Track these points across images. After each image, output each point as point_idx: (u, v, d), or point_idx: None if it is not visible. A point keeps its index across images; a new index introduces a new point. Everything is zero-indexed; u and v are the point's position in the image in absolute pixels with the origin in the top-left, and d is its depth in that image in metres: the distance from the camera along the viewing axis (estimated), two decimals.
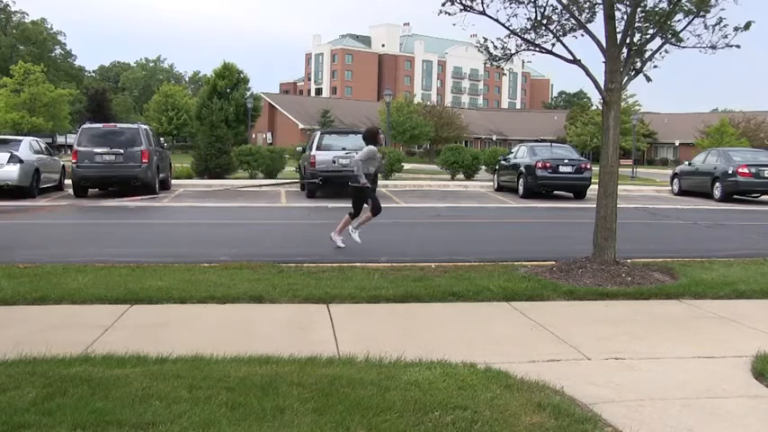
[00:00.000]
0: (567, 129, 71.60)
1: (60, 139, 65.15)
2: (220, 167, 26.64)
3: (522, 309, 6.88)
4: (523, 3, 8.51)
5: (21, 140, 19.86)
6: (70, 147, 18.88)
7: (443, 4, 8.47)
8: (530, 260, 9.27)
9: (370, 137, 10.73)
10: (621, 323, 6.48)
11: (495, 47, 8.85)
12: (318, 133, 21.48)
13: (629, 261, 8.57)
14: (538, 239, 12.78)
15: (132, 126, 20.60)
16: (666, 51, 8.41)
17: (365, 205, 10.56)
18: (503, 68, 9.27)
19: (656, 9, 8.19)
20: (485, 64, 9.82)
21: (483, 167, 30.35)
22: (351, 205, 10.64)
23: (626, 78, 8.39)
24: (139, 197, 18.66)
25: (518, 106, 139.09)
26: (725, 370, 5.11)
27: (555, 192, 22.05)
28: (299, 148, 25.49)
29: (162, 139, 30.33)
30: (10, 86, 54.91)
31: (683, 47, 8.34)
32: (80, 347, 5.22)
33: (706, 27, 8.09)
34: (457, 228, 14.48)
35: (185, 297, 6.89)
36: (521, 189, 21.80)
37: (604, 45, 8.20)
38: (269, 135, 77.99)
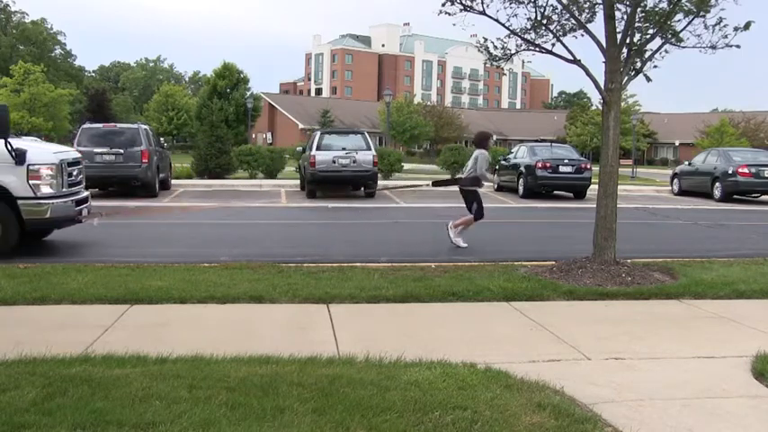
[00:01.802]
0: (566, 129, 71.62)
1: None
2: (220, 167, 26.65)
3: (522, 309, 6.88)
4: (523, 3, 8.51)
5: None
6: None
7: (443, 5, 8.47)
8: (530, 260, 9.27)
9: (483, 140, 10.86)
10: (621, 323, 6.48)
11: (495, 47, 8.85)
12: (318, 133, 21.47)
13: (629, 261, 8.57)
14: (538, 239, 12.77)
15: (132, 126, 20.60)
16: (666, 51, 8.41)
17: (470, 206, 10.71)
18: (503, 68, 9.27)
19: (656, 9, 8.19)
20: (485, 64, 9.82)
21: None
22: (465, 207, 10.82)
23: (626, 78, 8.39)
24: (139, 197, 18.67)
25: (518, 106, 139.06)
26: (725, 370, 5.11)
27: (555, 192, 22.05)
28: (299, 148, 25.49)
29: (162, 139, 30.34)
30: (10, 86, 54.98)
31: (683, 47, 8.35)
32: (80, 347, 5.22)
33: (706, 27, 8.09)
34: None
35: (185, 297, 6.89)
36: (521, 189, 21.80)
37: (604, 45, 8.20)
38: (269, 135, 77.98)
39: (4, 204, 9.20)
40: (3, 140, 9.10)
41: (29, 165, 9.20)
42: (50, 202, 9.36)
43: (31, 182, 9.20)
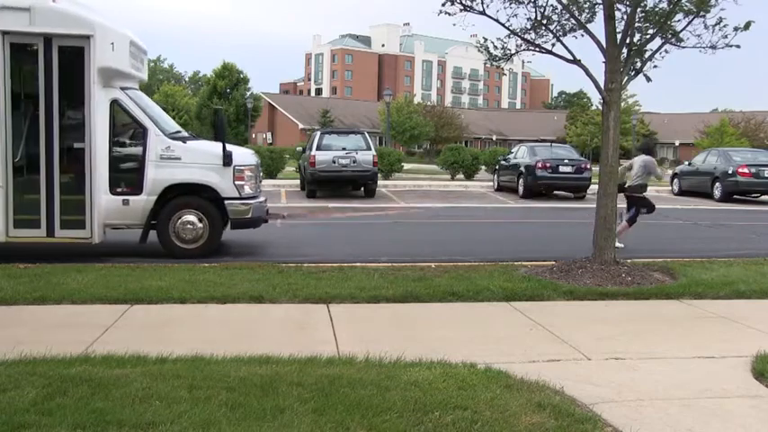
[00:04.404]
0: (567, 129, 71.57)
1: None
2: None
3: (522, 309, 6.88)
4: (523, 3, 8.51)
5: None
6: None
7: (443, 4, 8.47)
8: (530, 260, 9.27)
9: (650, 149, 11.40)
10: (621, 323, 6.48)
11: (495, 47, 8.86)
12: (318, 133, 21.49)
13: (629, 261, 8.57)
14: (538, 239, 12.78)
15: None
16: (666, 51, 8.42)
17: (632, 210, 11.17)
18: (503, 68, 9.28)
19: (656, 9, 8.19)
20: (485, 64, 9.83)
21: (483, 167, 30.38)
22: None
23: (626, 78, 8.39)
24: None
25: (518, 106, 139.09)
26: (725, 370, 5.11)
27: (555, 192, 22.06)
28: (299, 148, 25.48)
29: None
30: None
31: (683, 47, 8.36)
32: (80, 347, 5.22)
33: (706, 27, 8.10)
34: (457, 228, 14.49)
35: (185, 297, 6.88)
36: (521, 189, 21.81)
37: (604, 45, 8.20)
38: (269, 135, 77.97)
39: (213, 205, 9.48)
40: (220, 142, 9.45)
41: (235, 166, 9.47)
42: (251, 202, 9.67)
43: (236, 182, 9.50)
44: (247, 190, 9.60)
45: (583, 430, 3.82)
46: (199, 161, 9.47)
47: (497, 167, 25.14)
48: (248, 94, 60.21)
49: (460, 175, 30.59)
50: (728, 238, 13.03)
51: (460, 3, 8.40)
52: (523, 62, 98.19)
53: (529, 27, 8.59)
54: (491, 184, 25.78)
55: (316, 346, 5.33)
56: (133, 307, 6.63)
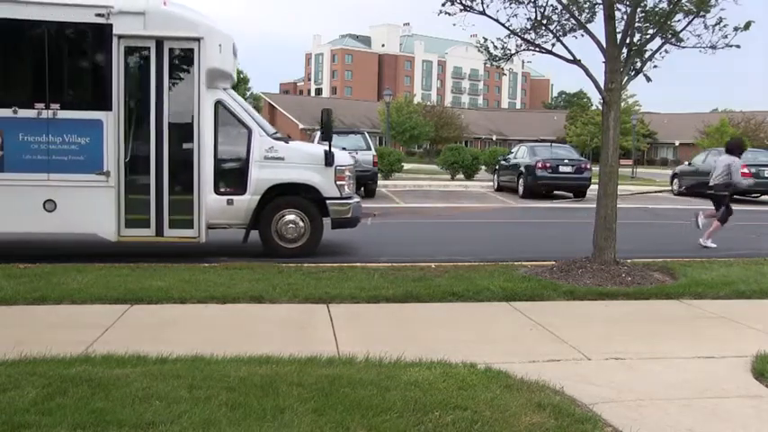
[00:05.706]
0: (567, 129, 71.61)
1: None
2: None
3: (522, 309, 6.88)
4: (523, 3, 8.51)
5: None
6: None
7: (443, 4, 8.47)
8: (530, 260, 9.27)
9: (738, 148, 11.36)
10: (621, 323, 6.48)
11: (495, 47, 8.86)
12: (318, 133, 21.48)
13: (629, 261, 8.57)
14: (538, 239, 12.78)
15: None
16: (666, 51, 8.42)
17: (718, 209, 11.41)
18: (503, 68, 9.28)
19: (656, 9, 8.19)
20: (485, 64, 9.84)
21: (483, 167, 30.41)
22: (714, 210, 11.53)
23: (626, 78, 8.39)
24: None
25: (518, 106, 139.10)
26: (725, 370, 5.11)
27: (555, 192, 22.06)
28: None
29: None
30: None
31: (683, 47, 8.36)
32: (80, 347, 5.21)
33: (706, 27, 8.10)
34: (457, 228, 14.49)
35: (185, 297, 6.88)
36: (521, 189, 21.82)
37: (604, 45, 8.20)
38: None
39: (314, 205, 9.59)
40: (327, 142, 9.53)
41: (337, 166, 9.57)
42: (350, 202, 9.79)
43: (337, 182, 9.61)
44: (347, 190, 9.72)
45: (583, 430, 3.82)
46: (302, 161, 9.59)
47: (497, 167, 25.16)
48: (248, 94, 60.28)
49: (460, 175, 30.61)
50: (728, 238, 13.02)
51: (460, 3, 8.40)
52: (523, 62, 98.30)
53: (529, 27, 8.59)
54: (491, 184, 25.79)
55: (316, 346, 5.33)
56: (133, 307, 6.63)
